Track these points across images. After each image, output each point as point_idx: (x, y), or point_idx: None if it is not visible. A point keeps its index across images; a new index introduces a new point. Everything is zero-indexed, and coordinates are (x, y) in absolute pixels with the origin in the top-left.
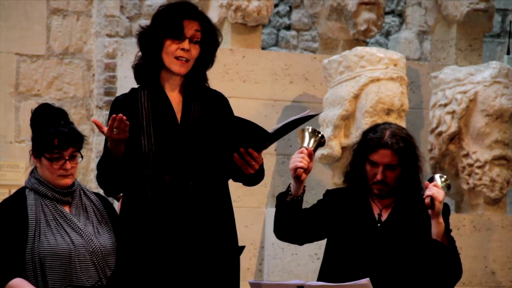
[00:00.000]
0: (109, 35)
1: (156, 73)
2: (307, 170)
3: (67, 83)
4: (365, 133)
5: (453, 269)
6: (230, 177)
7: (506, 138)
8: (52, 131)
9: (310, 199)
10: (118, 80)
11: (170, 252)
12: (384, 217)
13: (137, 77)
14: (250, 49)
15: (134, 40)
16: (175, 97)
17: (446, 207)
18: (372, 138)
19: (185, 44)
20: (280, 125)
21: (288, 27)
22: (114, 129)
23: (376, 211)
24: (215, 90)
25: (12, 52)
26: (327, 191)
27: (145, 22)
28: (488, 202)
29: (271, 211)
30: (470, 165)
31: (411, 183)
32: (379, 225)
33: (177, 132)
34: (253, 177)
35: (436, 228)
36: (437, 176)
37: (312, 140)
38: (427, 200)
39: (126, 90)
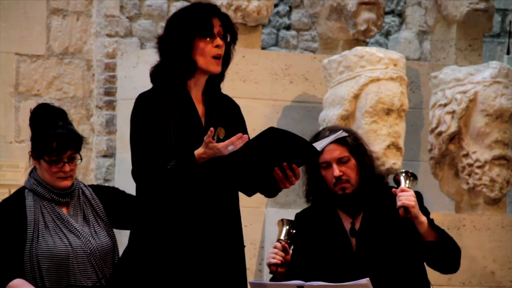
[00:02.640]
0: (109, 35)
1: (185, 77)
2: (284, 264)
3: (67, 83)
4: (311, 140)
5: (453, 254)
6: (258, 190)
7: (506, 138)
8: (50, 134)
9: None
10: (118, 80)
11: (184, 249)
12: (357, 225)
13: (159, 82)
14: (250, 49)
15: (134, 40)
16: (197, 102)
17: (418, 195)
18: (315, 142)
19: (218, 41)
20: (325, 143)
21: (288, 27)
22: (231, 146)
23: (347, 222)
24: (227, 96)
25: (11, 52)
26: (296, 215)
27: (145, 22)
28: (488, 202)
29: (271, 211)
30: (470, 165)
31: (371, 175)
32: (353, 237)
33: (202, 135)
34: (278, 189)
35: (421, 228)
36: (401, 176)
37: (289, 233)
38: (401, 211)
39: (126, 90)
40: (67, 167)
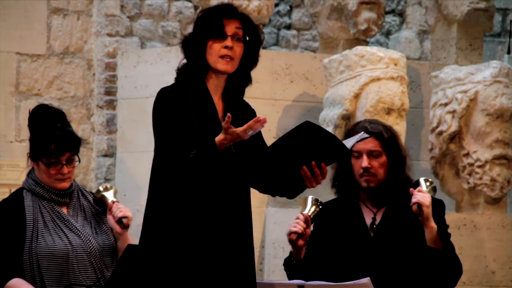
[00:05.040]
0: (109, 35)
1: (202, 76)
2: (304, 236)
3: (68, 83)
4: (347, 131)
5: (452, 270)
6: (281, 190)
7: (507, 137)
8: (49, 136)
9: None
10: (118, 79)
11: (199, 249)
12: (378, 220)
13: (179, 80)
14: None
15: (134, 40)
16: (216, 102)
17: (440, 204)
18: (353, 129)
19: (228, 42)
20: (352, 142)
21: (288, 27)
22: (250, 130)
23: (369, 217)
24: (245, 101)
25: (12, 52)
26: (324, 204)
27: (145, 21)
28: (489, 201)
29: (271, 210)
30: (471, 165)
31: (399, 174)
32: (372, 232)
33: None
34: (302, 190)
35: (428, 233)
36: (421, 180)
37: (313, 208)
38: (414, 207)
39: (127, 90)
40: (65, 169)
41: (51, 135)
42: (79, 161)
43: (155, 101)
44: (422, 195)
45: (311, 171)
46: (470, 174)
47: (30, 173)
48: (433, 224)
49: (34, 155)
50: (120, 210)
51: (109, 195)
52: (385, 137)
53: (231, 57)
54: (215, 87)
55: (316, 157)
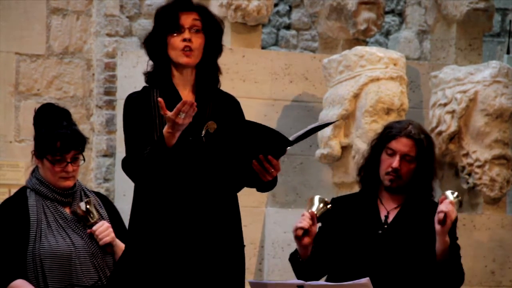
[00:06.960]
0: (109, 35)
1: (167, 72)
2: (310, 234)
3: (67, 83)
4: (388, 125)
5: (454, 280)
6: (245, 184)
7: (506, 137)
8: (54, 133)
9: None
10: (118, 79)
11: (179, 248)
12: (390, 218)
13: (149, 81)
14: (250, 48)
15: (134, 40)
16: (186, 96)
17: (455, 219)
18: (395, 126)
19: (186, 34)
20: (300, 132)
21: (288, 27)
22: (182, 113)
23: (383, 214)
24: (226, 92)
25: (11, 52)
26: (332, 199)
27: (145, 21)
28: (488, 201)
29: (271, 210)
30: (470, 165)
31: (423, 183)
32: (385, 226)
33: (190, 131)
34: (269, 183)
35: (441, 244)
36: (448, 193)
37: (319, 207)
38: (441, 215)
39: (126, 90)
40: (70, 167)
41: (57, 132)
42: (84, 160)
43: (123, 108)
44: (452, 209)
45: (261, 165)
46: (469, 174)
47: (34, 172)
48: (447, 239)
49: (39, 152)
50: (99, 238)
51: (87, 218)
52: (424, 146)
53: (190, 48)
54: (183, 82)
55: (260, 150)
